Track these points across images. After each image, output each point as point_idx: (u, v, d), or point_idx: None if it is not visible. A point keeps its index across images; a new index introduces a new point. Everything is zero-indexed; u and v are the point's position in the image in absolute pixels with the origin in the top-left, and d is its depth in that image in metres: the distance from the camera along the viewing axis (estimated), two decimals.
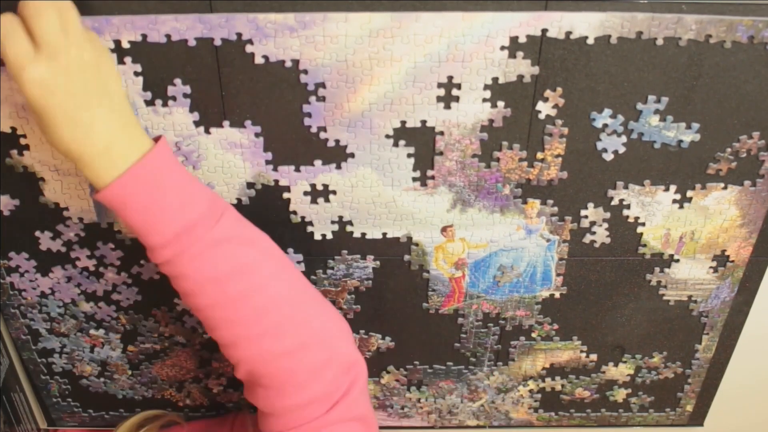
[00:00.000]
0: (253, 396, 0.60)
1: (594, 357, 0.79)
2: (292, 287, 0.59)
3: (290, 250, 0.69)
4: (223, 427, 0.81)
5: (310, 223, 0.67)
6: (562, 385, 0.82)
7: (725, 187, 0.65)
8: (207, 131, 0.61)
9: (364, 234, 0.68)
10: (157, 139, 0.55)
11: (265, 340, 0.56)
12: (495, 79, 0.58)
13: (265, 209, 0.66)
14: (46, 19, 0.48)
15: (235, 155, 0.62)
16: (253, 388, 0.59)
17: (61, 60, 0.48)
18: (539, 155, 0.63)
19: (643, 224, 0.68)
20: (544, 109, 0.60)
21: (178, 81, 0.58)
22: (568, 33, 0.56)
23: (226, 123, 0.60)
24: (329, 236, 0.68)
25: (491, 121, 0.61)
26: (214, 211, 0.55)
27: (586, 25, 0.55)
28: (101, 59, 0.52)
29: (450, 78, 0.58)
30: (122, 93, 0.54)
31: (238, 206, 0.65)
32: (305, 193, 0.65)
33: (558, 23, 0.55)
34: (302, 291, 0.59)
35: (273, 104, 0.59)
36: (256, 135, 0.61)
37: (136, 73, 0.57)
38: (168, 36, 0.55)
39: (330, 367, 0.57)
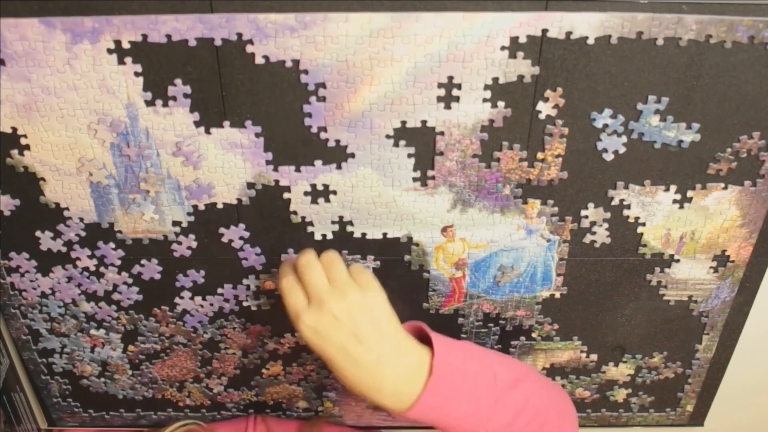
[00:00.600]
0: None
1: (594, 357, 0.79)
2: (540, 379, 0.67)
3: (290, 250, 0.69)
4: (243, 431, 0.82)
5: (311, 224, 0.67)
6: (563, 385, 0.82)
7: (725, 187, 0.65)
8: (207, 131, 0.61)
9: (364, 234, 0.68)
10: (424, 336, 0.61)
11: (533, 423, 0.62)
12: (495, 79, 0.58)
13: (266, 209, 0.66)
14: (310, 275, 0.58)
15: (235, 155, 0.62)
16: None
17: (325, 309, 0.57)
18: (539, 155, 0.63)
19: (644, 224, 0.68)
20: (545, 109, 0.60)
21: (178, 81, 0.58)
22: (569, 33, 0.56)
23: (226, 123, 0.60)
24: (329, 236, 0.68)
25: (491, 121, 0.61)
26: (501, 380, 0.61)
27: (587, 25, 0.55)
28: (370, 299, 0.59)
29: (450, 78, 0.58)
30: (388, 312, 0.60)
31: (238, 206, 0.65)
32: (305, 194, 0.65)
33: (558, 23, 0.55)
34: (559, 404, 0.67)
35: (273, 104, 0.59)
36: (257, 135, 0.61)
37: (137, 74, 0.57)
38: (168, 36, 0.55)
39: None
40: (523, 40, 0.56)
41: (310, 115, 0.60)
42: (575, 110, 0.60)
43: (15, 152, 0.62)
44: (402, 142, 0.62)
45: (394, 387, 0.57)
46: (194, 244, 0.68)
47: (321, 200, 0.65)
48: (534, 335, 0.77)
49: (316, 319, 0.57)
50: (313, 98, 0.59)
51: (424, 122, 0.61)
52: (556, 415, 0.64)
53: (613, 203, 0.66)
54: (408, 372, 0.58)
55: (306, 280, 0.58)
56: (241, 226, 0.67)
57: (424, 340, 0.62)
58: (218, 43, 0.56)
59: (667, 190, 0.65)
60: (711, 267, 0.71)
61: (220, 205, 0.65)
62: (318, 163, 0.63)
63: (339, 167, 0.63)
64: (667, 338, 0.78)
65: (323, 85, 0.58)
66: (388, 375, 0.57)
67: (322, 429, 0.83)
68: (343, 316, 0.57)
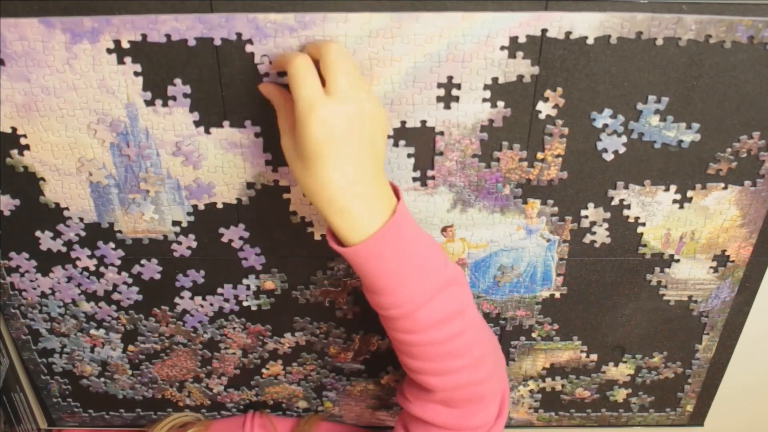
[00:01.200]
0: (435, 414, 0.62)
1: (594, 357, 0.79)
2: (481, 318, 0.64)
3: (290, 250, 0.69)
4: (242, 427, 0.81)
5: (310, 224, 0.67)
6: (563, 385, 0.82)
7: (725, 187, 0.65)
8: (207, 131, 0.61)
9: None
10: (396, 193, 0.57)
11: (467, 371, 0.60)
12: (495, 79, 0.58)
13: (265, 209, 0.66)
14: (343, 67, 0.51)
15: (235, 155, 0.62)
16: (440, 408, 0.62)
17: (349, 106, 0.51)
18: (539, 155, 0.63)
19: (644, 224, 0.68)
20: (544, 109, 0.60)
21: (178, 81, 0.58)
22: (568, 33, 0.56)
23: (226, 123, 0.60)
24: None
25: (491, 121, 0.61)
26: (445, 262, 0.58)
27: (586, 25, 0.55)
28: (377, 114, 0.53)
29: (450, 78, 0.58)
30: (384, 149, 0.56)
31: (238, 206, 0.65)
32: (305, 194, 0.65)
33: (558, 23, 0.55)
34: (483, 321, 0.65)
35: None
36: (256, 135, 0.61)
37: (136, 73, 0.57)
38: (168, 36, 0.55)
39: (500, 394, 0.64)
40: (522, 40, 0.56)
41: None
42: (575, 110, 0.60)
43: (15, 152, 0.62)
44: (402, 142, 0.62)
45: (359, 213, 0.53)
46: (194, 244, 0.68)
47: None
48: (534, 335, 0.77)
49: (333, 114, 0.50)
50: None
51: (423, 122, 0.60)
52: (483, 347, 0.62)
53: (613, 203, 0.66)
54: (375, 207, 0.54)
55: (333, 70, 0.52)
56: (241, 226, 0.67)
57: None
58: (218, 42, 0.56)
59: (667, 190, 0.65)
60: (711, 267, 0.71)
61: (220, 205, 0.65)
62: None
63: None
64: (667, 338, 0.77)
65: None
66: (360, 198, 0.53)
67: (319, 426, 0.83)
68: (358, 120, 0.52)
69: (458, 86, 0.58)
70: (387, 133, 0.56)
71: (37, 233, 0.67)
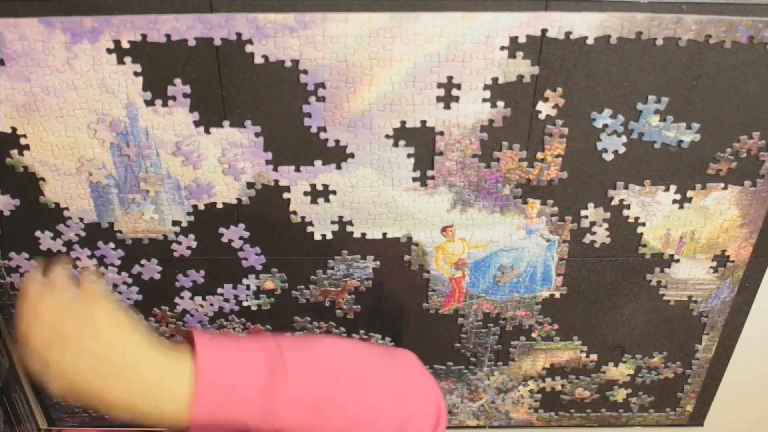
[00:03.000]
0: None
1: (594, 357, 0.79)
2: (367, 368, 0.60)
3: (290, 250, 0.69)
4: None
5: (310, 223, 0.67)
6: (562, 385, 0.82)
7: (725, 187, 0.65)
8: (207, 131, 0.61)
9: (364, 234, 0.68)
10: (189, 338, 0.54)
11: (371, 426, 0.57)
12: (495, 79, 0.58)
13: (265, 209, 0.66)
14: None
15: (235, 155, 0.62)
16: None
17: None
18: (539, 155, 0.63)
19: (644, 224, 0.68)
20: (544, 109, 0.60)
21: (178, 81, 0.58)
22: (568, 33, 0.56)
23: (226, 123, 0.60)
24: (329, 236, 0.68)
25: (491, 121, 0.61)
26: (275, 362, 0.55)
27: (586, 25, 0.55)
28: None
29: (450, 78, 0.58)
30: (139, 334, 0.53)
31: (238, 206, 0.65)
32: (305, 193, 0.65)
33: (558, 23, 0.55)
34: (375, 366, 0.61)
35: (273, 104, 0.59)
36: (256, 135, 0.61)
37: (136, 73, 0.57)
38: (168, 36, 0.55)
39: (427, 410, 0.60)
40: (522, 40, 0.56)
41: (309, 115, 0.60)
42: (575, 110, 0.60)
43: (15, 152, 0.62)
44: (402, 142, 0.62)
45: (166, 398, 0.51)
46: (194, 244, 0.68)
47: (321, 200, 0.65)
48: (534, 335, 0.77)
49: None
50: (312, 98, 0.59)
51: (423, 122, 0.60)
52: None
53: (613, 203, 0.66)
54: (171, 384, 0.52)
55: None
56: (241, 226, 0.67)
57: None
58: (218, 42, 0.56)
59: (667, 190, 0.65)
60: (711, 267, 0.71)
61: (219, 205, 0.65)
62: (318, 163, 0.63)
63: (339, 167, 0.63)
64: (667, 338, 0.77)
65: (323, 85, 0.58)
66: (149, 393, 0.51)
67: None
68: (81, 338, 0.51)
69: (458, 86, 0.58)
70: (115, 320, 0.53)
71: (37, 233, 0.67)
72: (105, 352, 0.51)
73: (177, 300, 0.73)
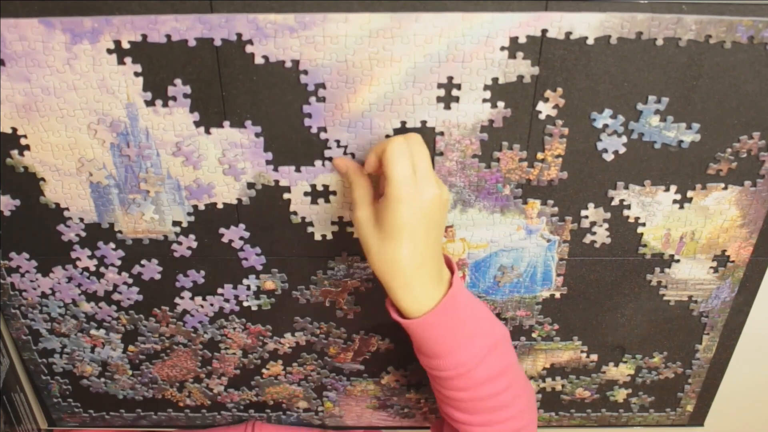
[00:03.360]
0: None
1: (594, 357, 0.79)
2: (521, 369, 0.68)
3: (291, 251, 0.69)
4: None
5: (311, 224, 0.67)
6: (563, 385, 0.82)
7: (725, 188, 0.65)
8: (207, 131, 0.61)
9: None
10: (449, 265, 0.62)
11: (512, 421, 0.63)
12: (495, 80, 0.58)
13: (266, 209, 0.66)
14: (426, 156, 0.57)
15: (235, 155, 0.62)
16: None
17: (433, 192, 0.55)
18: (539, 155, 0.63)
19: (644, 224, 0.68)
20: (545, 109, 0.60)
21: (178, 81, 0.58)
22: (568, 33, 0.56)
23: (226, 123, 0.60)
24: (329, 237, 0.68)
25: (491, 121, 0.61)
26: (493, 323, 0.63)
27: (586, 25, 0.55)
28: (447, 200, 0.59)
29: (450, 78, 0.58)
30: (442, 233, 0.61)
31: (238, 206, 0.65)
32: (305, 194, 0.65)
33: (558, 23, 0.55)
34: (523, 372, 0.69)
35: (273, 104, 0.59)
36: (257, 135, 0.61)
37: (136, 74, 0.57)
38: (168, 36, 0.55)
39: None
40: (522, 40, 0.56)
41: (310, 115, 0.60)
42: (575, 110, 0.60)
43: (15, 152, 0.62)
44: None
45: (422, 289, 0.58)
46: (194, 244, 0.68)
47: (321, 200, 0.65)
48: (534, 335, 0.77)
49: (421, 195, 0.55)
50: (312, 98, 0.59)
51: (423, 122, 0.61)
52: (527, 404, 0.66)
53: (613, 203, 0.66)
54: (434, 276, 0.58)
55: (420, 159, 0.56)
56: (241, 226, 0.67)
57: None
58: (218, 43, 0.56)
59: (667, 190, 0.65)
60: (711, 267, 0.71)
61: (220, 205, 0.65)
62: (318, 163, 0.63)
63: None
64: (667, 338, 0.77)
65: (323, 86, 0.58)
66: (424, 276, 0.57)
67: None
68: (436, 204, 0.56)
69: (458, 86, 0.58)
70: (446, 216, 0.61)
71: (37, 233, 0.67)
72: (435, 224, 0.57)
73: (177, 300, 0.73)
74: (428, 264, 0.57)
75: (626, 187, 0.65)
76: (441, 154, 0.62)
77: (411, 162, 0.55)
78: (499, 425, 0.63)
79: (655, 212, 0.67)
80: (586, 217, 0.67)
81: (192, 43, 0.56)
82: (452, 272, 0.61)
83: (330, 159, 0.62)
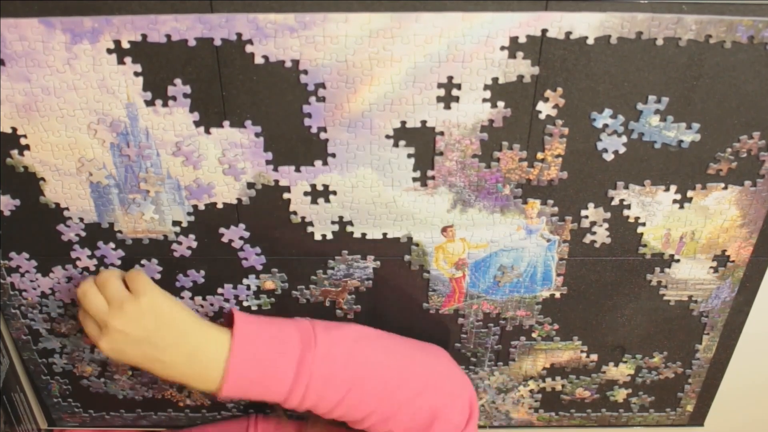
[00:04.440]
0: None
1: (594, 357, 0.79)
2: (399, 356, 0.68)
3: (291, 250, 0.69)
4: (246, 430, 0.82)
5: (311, 224, 0.67)
6: (563, 385, 0.82)
7: (726, 187, 0.65)
8: (207, 131, 0.61)
9: (364, 234, 0.68)
10: (228, 319, 0.66)
11: (401, 413, 0.64)
12: (495, 80, 0.58)
13: (266, 209, 0.66)
14: (88, 303, 0.62)
15: (235, 155, 0.62)
16: None
17: (111, 329, 0.61)
18: (539, 155, 0.63)
19: (644, 224, 0.68)
20: (545, 109, 0.60)
21: (178, 81, 0.58)
22: (568, 33, 0.56)
23: (226, 123, 0.60)
24: (329, 236, 0.68)
25: (491, 121, 0.61)
26: (308, 337, 0.64)
27: (586, 25, 0.55)
28: (144, 303, 0.62)
29: (450, 78, 0.58)
30: (183, 315, 0.63)
31: (238, 206, 0.65)
32: (305, 194, 0.65)
33: (558, 23, 0.55)
34: (407, 355, 0.69)
35: (273, 104, 0.59)
36: (257, 135, 0.61)
37: (136, 74, 0.57)
38: (168, 36, 0.55)
39: (458, 401, 0.68)
40: (522, 40, 0.56)
41: (310, 115, 0.60)
42: (575, 110, 0.60)
43: (15, 152, 0.62)
44: (402, 143, 0.62)
45: (200, 372, 0.61)
46: (194, 244, 0.68)
47: (321, 200, 0.65)
48: (534, 335, 0.77)
49: (110, 341, 0.60)
50: (312, 98, 0.59)
51: (423, 122, 0.61)
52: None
53: (613, 203, 0.66)
54: (209, 354, 0.61)
55: (88, 310, 0.62)
56: (241, 226, 0.67)
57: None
58: (218, 43, 0.56)
59: (667, 190, 0.65)
60: (711, 267, 0.71)
61: (220, 205, 0.65)
62: (318, 163, 0.63)
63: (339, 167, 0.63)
64: (667, 338, 0.78)
65: (323, 86, 0.58)
66: (191, 364, 0.61)
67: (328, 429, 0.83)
68: (129, 328, 0.60)
69: (458, 86, 0.58)
70: (160, 296, 0.64)
71: (37, 233, 0.67)
72: (149, 336, 0.61)
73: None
74: (188, 353, 0.61)
75: (626, 187, 0.65)
76: (441, 154, 0.62)
77: (92, 323, 0.62)
78: (397, 417, 0.64)
79: (655, 212, 0.67)
80: (586, 217, 0.67)
81: (192, 43, 0.56)
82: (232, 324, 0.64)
83: (333, 155, 0.62)
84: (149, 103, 0.59)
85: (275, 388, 0.61)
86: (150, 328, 0.61)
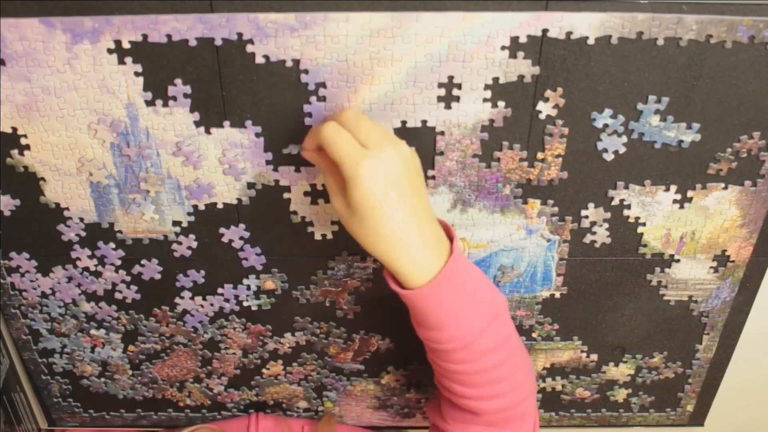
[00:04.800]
0: None
1: (594, 357, 0.79)
2: (520, 341, 0.67)
3: (291, 250, 0.69)
4: (247, 430, 0.81)
5: (311, 224, 0.67)
6: (563, 385, 0.82)
7: (726, 187, 0.65)
8: (207, 131, 0.61)
9: None
10: (447, 232, 0.59)
11: (513, 393, 0.62)
12: (495, 79, 0.58)
13: (266, 209, 0.66)
14: (367, 123, 0.54)
15: (235, 155, 0.62)
16: (482, 430, 0.64)
17: (387, 154, 0.53)
18: (539, 155, 0.63)
19: (644, 224, 0.68)
20: (545, 109, 0.60)
21: (178, 81, 0.58)
22: (569, 33, 0.56)
23: (226, 123, 0.60)
24: (329, 237, 0.68)
25: (492, 121, 0.61)
26: (493, 293, 0.61)
27: (587, 25, 0.55)
28: (409, 155, 0.55)
29: (450, 78, 0.58)
30: (424, 187, 0.58)
31: (238, 206, 0.65)
32: (305, 194, 0.65)
33: (558, 23, 0.55)
34: (522, 344, 0.67)
35: (273, 104, 0.59)
36: (257, 135, 0.61)
37: (137, 73, 0.57)
38: (168, 36, 0.55)
39: (533, 414, 0.66)
40: (523, 40, 0.56)
41: (310, 115, 0.60)
42: (575, 110, 0.60)
43: (15, 152, 0.62)
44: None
45: (417, 257, 0.55)
46: (194, 244, 0.68)
47: (321, 200, 0.65)
48: (534, 335, 0.77)
49: (377, 163, 0.52)
50: (313, 98, 0.59)
51: (424, 122, 0.60)
52: (526, 374, 0.65)
53: (613, 203, 0.66)
54: (431, 243, 0.56)
55: (360, 128, 0.54)
56: (241, 226, 0.67)
57: None
58: (218, 43, 0.56)
59: (667, 190, 0.65)
60: (711, 267, 0.71)
61: (220, 205, 0.65)
62: None
63: None
64: (667, 338, 0.78)
65: (323, 85, 0.58)
66: (416, 241, 0.55)
67: (336, 428, 0.83)
68: (399, 164, 0.54)
69: (459, 86, 0.58)
70: (421, 172, 0.57)
71: (37, 233, 0.67)
72: (408, 183, 0.55)
73: (177, 300, 0.73)
74: (418, 231, 0.55)
75: (626, 187, 0.65)
76: (441, 153, 0.62)
77: (351, 139, 0.53)
78: (500, 398, 0.61)
79: (655, 212, 0.67)
80: (586, 217, 0.67)
81: (192, 42, 0.56)
82: (451, 239, 0.58)
83: None
84: (149, 103, 0.59)
85: (453, 330, 0.58)
86: (412, 177, 0.55)
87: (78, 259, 0.69)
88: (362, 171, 0.52)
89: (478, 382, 0.60)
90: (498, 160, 0.63)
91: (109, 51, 0.56)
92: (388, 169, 0.53)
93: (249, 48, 0.56)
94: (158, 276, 0.71)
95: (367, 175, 0.52)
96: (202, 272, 0.70)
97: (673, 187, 0.65)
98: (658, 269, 0.71)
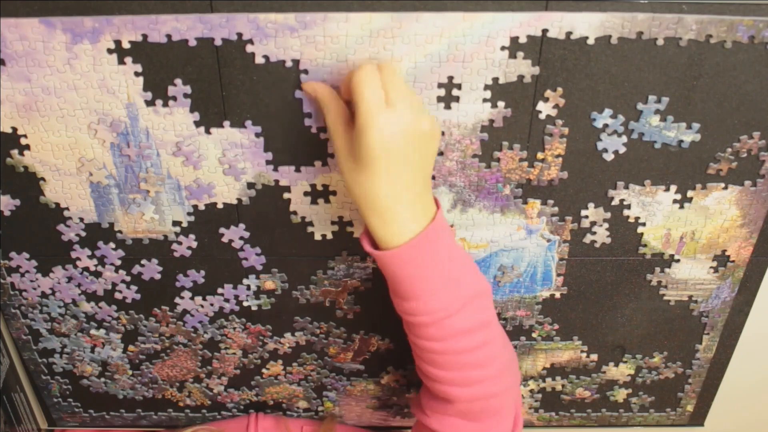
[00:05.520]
0: (453, 428, 0.63)
1: (594, 357, 0.79)
2: (504, 333, 0.66)
3: (291, 250, 0.69)
4: (246, 430, 0.81)
5: (311, 224, 0.67)
6: (563, 385, 0.82)
7: (726, 187, 0.65)
8: (207, 131, 0.61)
9: None
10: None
11: (488, 382, 0.61)
12: (495, 79, 0.58)
13: (265, 209, 0.66)
14: (404, 86, 0.54)
15: (235, 155, 0.62)
16: (458, 422, 0.63)
17: (408, 120, 0.52)
18: (540, 155, 0.63)
19: (644, 224, 0.68)
20: (545, 109, 0.60)
21: (178, 81, 0.58)
22: (569, 33, 0.56)
23: (226, 123, 0.60)
24: (329, 236, 0.68)
25: (492, 121, 0.61)
26: (476, 273, 0.60)
27: (587, 25, 0.55)
28: (433, 133, 0.54)
29: (450, 78, 0.58)
30: (433, 165, 0.57)
31: (238, 206, 0.65)
32: (305, 194, 0.65)
33: (558, 23, 0.55)
34: (505, 336, 0.66)
35: (273, 104, 0.59)
36: (257, 135, 0.61)
37: (137, 73, 0.57)
38: (168, 36, 0.55)
39: (513, 409, 0.65)
40: (523, 40, 0.56)
41: (310, 115, 0.60)
42: (575, 110, 0.60)
43: (15, 152, 0.62)
44: None
45: (400, 218, 0.54)
46: (194, 244, 0.68)
47: (321, 200, 0.65)
48: (534, 335, 0.77)
49: (394, 120, 0.51)
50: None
51: None
52: (506, 361, 0.64)
53: (613, 203, 0.66)
54: (418, 210, 0.55)
55: (393, 81, 0.53)
56: (241, 226, 0.67)
57: None
58: (218, 43, 0.56)
59: (667, 190, 0.65)
60: (711, 267, 0.71)
61: (220, 205, 0.65)
62: (318, 163, 0.63)
63: None
64: (667, 338, 0.78)
65: None
66: (403, 205, 0.54)
67: (337, 429, 0.83)
68: (414, 133, 0.53)
69: (459, 86, 0.58)
70: (435, 152, 0.57)
71: (37, 233, 0.67)
72: (416, 145, 0.53)
73: (177, 300, 0.73)
74: (408, 196, 0.54)
75: (626, 187, 0.65)
76: (441, 153, 0.62)
77: (380, 89, 0.52)
78: (473, 386, 0.60)
79: (655, 212, 0.67)
80: (586, 217, 0.67)
81: (192, 42, 0.56)
82: (438, 208, 0.57)
83: (333, 155, 0.62)
84: (149, 103, 0.59)
85: (423, 297, 0.57)
86: (423, 144, 0.54)
87: (78, 259, 0.69)
88: (378, 121, 0.51)
89: (450, 364, 0.59)
90: (498, 160, 0.63)
91: (109, 51, 0.56)
92: (401, 134, 0.52)
93: (249, 48, 0.56)
94: (158, 276, 0.71)
95: (381, 127, 0.51)
96: (202, 272, 0.70)
97: (673, 187, 0.65)
98: (658, 269, 0.71)
